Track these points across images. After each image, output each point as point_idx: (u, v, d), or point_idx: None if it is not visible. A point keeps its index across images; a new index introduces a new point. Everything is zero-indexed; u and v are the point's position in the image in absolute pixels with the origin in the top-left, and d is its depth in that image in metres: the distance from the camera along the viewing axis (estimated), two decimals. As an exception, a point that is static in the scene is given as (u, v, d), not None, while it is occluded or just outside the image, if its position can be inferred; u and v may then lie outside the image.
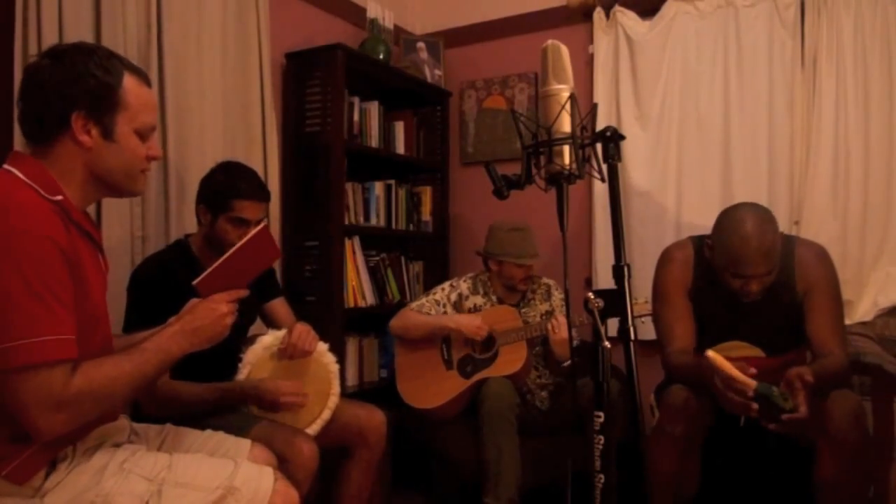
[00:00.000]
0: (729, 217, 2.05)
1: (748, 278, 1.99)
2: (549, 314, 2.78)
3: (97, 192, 1.36)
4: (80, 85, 1.26)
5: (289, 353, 2.00)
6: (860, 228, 2.71)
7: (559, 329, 2.55)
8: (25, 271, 1.14)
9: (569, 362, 2.61)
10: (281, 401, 1.95)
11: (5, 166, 1.26)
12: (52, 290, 1.16)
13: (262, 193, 2.05)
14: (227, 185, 1.99)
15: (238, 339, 2.07)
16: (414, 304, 2.77)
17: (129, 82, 1.31)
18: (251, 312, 2.17)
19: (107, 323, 1.38)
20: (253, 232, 1.41)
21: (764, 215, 2.01)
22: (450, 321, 2.66)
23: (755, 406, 1.79)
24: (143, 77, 1.36)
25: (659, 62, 3.04)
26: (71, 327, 1.19)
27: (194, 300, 1.40)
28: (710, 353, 1.83)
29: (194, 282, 1.37)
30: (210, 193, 2.01)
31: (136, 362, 1.27)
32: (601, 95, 3.15)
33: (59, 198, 1.25)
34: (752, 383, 1.79)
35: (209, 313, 1.37)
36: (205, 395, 1.88)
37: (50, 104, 1.26)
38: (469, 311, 2.78)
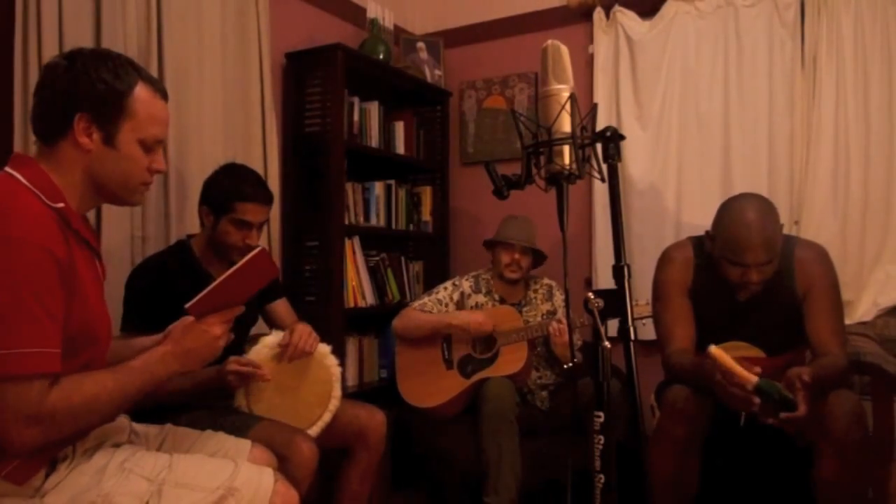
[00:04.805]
0: (731, 206, 2.06)
1: (748, 267, 1.99)
2: (551, 314, 2.79)
3: (95, 199, 1.35)
4: (88, 88, 1.25)
5: (289, 354, 2.00)
6: (860, 228, 2.71)
7: (562, 334, 2.55)
8: (17, 281, 1.12)
9: (571, 364, 2.61)
10: (227, 368, 1.85)
11: (7, 169, 1.25)
12: (41, 302, 1.14)
13: (264, 196, 2.05)
14: (230, 188, 1.99)
15: (241, 339, 2.07)
16: (416, 304, 2.77)
17: (140, 92, 1.30)
18: (253, 313, 2.17)
19: (106, 329, 1.36)
20: (249, 255, 1.35)
21: (766, 205, 2.03)
22: (453, 318, 2.66)
23: (756, 400, 1.79)
24: (158, 89, 1.34)
25: (659, 62, 3.04)
26: (56, 341, 1.16)
27: (187, 319, 1.36)
28: (713, 349, 1.83)
29: (186, 305, 1.33)
30: (213, 195, 2.01)
31: (121, 381, 1.25)
32: (601, 95, 3.15)
33: (61, 205, 1.23)
34: (754, 378, 1.79)
35: (201, 335, 1.34)
36: (174, 386, 1.81)
37: (56, 104, 1.26)
38: (471, 309, 2.78)
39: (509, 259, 2.71)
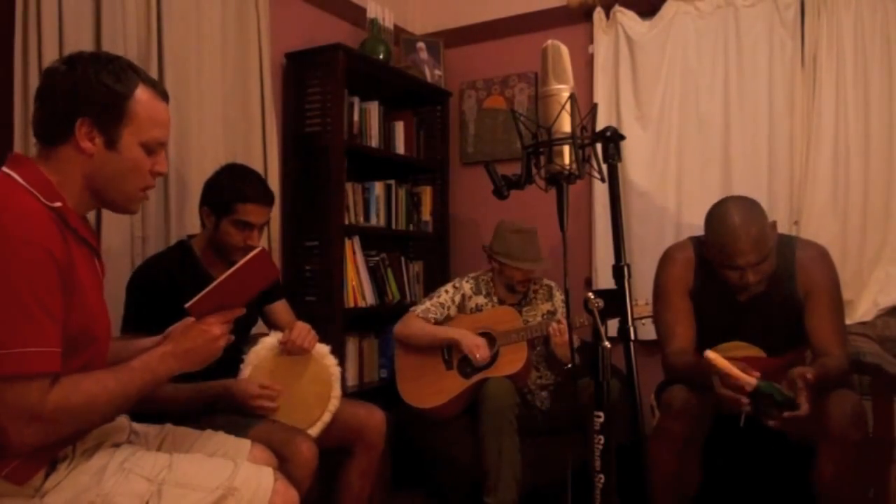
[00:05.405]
0: (715, 213, 2.07)
1: (743, 269, 2.00)
2: (551, 314, 2.79)
3: (93, 203, 1.34)
4: (89, 92, 1.25)
5: (288, 349, 2.01)
6: (860, 228, 2.71)
7: (561, 334, 2.55)
8: (15, 280, 1.12)
9: (571, 364, 2.61)
10: (250, 404, 1.89)
11: (4, 169, 1.25)
12: (40, 302, 1.14)
13: (266, 197, 2.04)
14: (231, 189, 1.98)
15: (240, 339, 2.06)
16: (419, 309, 2.76)
17: (141, 94, 1.29)
18: (252, 314, 2.17)
19: (105, 328, 1.36)
20: (249, 255, 1.35)
21: (748, 205, 2.03)
22: (454, 334, 2.65)
23: (745, 401, 1.81)
24: (159, 91, 1.34)
25: (659, 62, 3.04)
26: (56, 340, 1.16)
27: (187, 320, 1.36)
28: (709, 354, 1.84)
29: (187, 305, 1.33)
30: (214, 196, 2.01)
31: (121, 381, 1.25)
32: (601, 95, 3.15)
33: (58, 204, 1.23)
34: (753, 381, 1.80)
35: (201, 335, 1.35)
36: (177, 395, 1.83)
37: (57, 109, 1.26)
38: (472, 311, 2.78)
39: (521, 276, 2.70)
